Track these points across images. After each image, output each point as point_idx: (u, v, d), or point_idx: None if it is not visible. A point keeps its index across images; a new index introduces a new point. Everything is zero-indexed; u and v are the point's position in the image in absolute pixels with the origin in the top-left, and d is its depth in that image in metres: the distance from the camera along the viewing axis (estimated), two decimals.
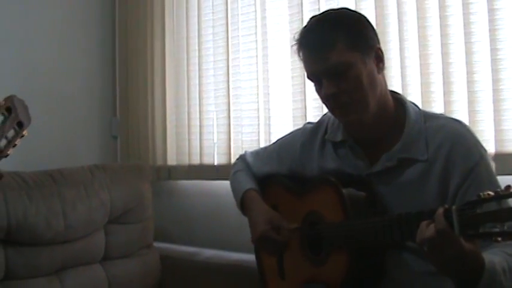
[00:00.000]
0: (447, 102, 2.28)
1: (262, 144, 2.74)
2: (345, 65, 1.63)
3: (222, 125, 3.01)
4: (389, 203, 1.68)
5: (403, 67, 2.39)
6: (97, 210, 2.70)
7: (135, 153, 3.39)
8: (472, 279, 1.37)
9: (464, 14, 2.22)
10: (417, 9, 2.34)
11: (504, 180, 1.59)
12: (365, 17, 1.75)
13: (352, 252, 1.67)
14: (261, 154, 2.18)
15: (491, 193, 1.24)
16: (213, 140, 3.08)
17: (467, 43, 2.22)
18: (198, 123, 3.13)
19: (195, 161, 3.14)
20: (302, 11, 2.70)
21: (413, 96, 2.31)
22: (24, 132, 1.49)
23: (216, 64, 3.05)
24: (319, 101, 1.79)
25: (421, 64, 2.34)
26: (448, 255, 1.33)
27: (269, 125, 2.83)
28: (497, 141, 2.16)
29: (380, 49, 1.72)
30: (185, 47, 3.21)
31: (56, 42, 3.23)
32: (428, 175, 1.63)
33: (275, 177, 2.08)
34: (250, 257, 2.23)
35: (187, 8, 3.21)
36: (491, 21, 2.16)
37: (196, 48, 3.14)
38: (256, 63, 2.88)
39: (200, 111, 3.13)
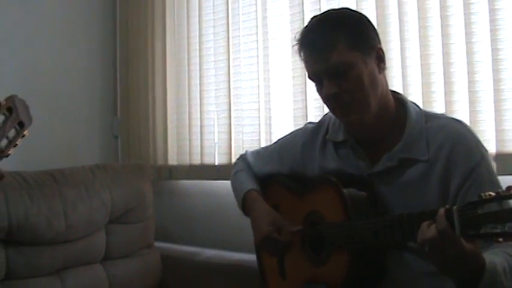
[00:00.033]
0: (448, 102, 2.28)
1: (263, 144, 2.74)
2: (346, 65, 1.63)
3: (223, 125, 3.02)
4: (390, 203, 1.68)
5: (404, 67, 2.39)
6: (98, 210, 2.70)
7: (136, 153, 3.39)
8: (472, 279, 1.37)
9: (465, 14, 2.22)
10: (418, 9, 2.34)
11: (505, 181, 1.59)
12: (366, 17, 1.75)
13: (353, 252, 1.67)
14: (262, 154, 2.18)
15: (493, 194, 1.24)
16: (214, 139, 3.09)
17: (468, 43, 2.22)
18: (199, 123, 3.13)
19: (196, 160, 3.14)
20: (303, 10, 2.70)
21: (414, 96, 2.31)
22: (25, 132, 1.50)
23: (217, 64, 3.05)
24: (320, 101, 1.80)
25: (422, 64, 2.35)
26: (449, 255, 1.33)
27: (270, 124, 2.83)
28: (498, 141, 2.16)
29: (381, 49, 1.72)
30: (186, 47, 3.22)
31: (57, 42, 3.23)
32: (429, 175, 1.63)
33: (276, 177, 2.08)
34: (251, 257, 2.23)
35: (188, 8, 3.21)
36: (492, 21, 2.16)
37: (197, 48, 3.14)
38: (257, 63, 2.88)
39: (201, 111, 3.13)
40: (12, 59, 3.00)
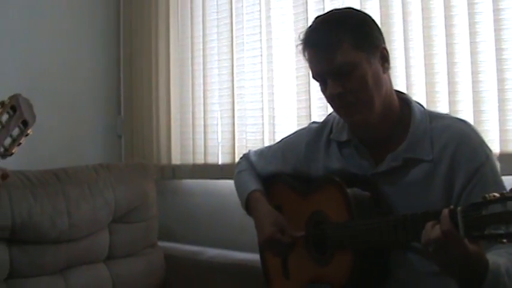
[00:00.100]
0: (452, 102, 2.28)
1: (267, 144, 2.74)
2: (350, 65, 1.62)
3: (227, 125, 3.02)
4: (395, 203, 1.67)
5: (407, 67, 2.39)
6: (101, 209, 2.70)
7: (140, 152, 3.39)
8: (475, 280, 1.37)
9: (469, 13, 2.22)
10: (422, 9, 2.34)
11: (509, 181, 1.59)
12: (370, 17, 1.75)
13: (356, 252, 1.66)
14: (265, 153, 2.18)
15: (497, 195, 1.24)
16: (218, 139, 3.09)
17: (472, 43, 2.22)
18: (202, 123, 3.13)
19: (200, 160, 3.14)
20: (307, 10, 2.69)
21: (418, 96, 2.31)
22: (29, 131, 1.50)
23: (220, 63, 3.05)
24: (324, 101, 1.79)
25: (426, 64, 2.34)
26: (453, 256, 1.32)
27: (273, 124, 2.83)
28: (502, 141, 2.16)
29: (385, 49, 1.71)
30: (190, 47, 3.22)
31: (61, 41, 3.23)
32: (433, 175, 1.63)
33: (279, 177, 2.07)
34: (254, 257, 2.23)
35: (191, 8, 3.21)
36: (496, 21, 2.15)
37: (201, 47, 3.14)
38: (261, 62, 2.88)
39: (204, 111, 3.13)
40: (16, 58, 3.01)
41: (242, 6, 2.96)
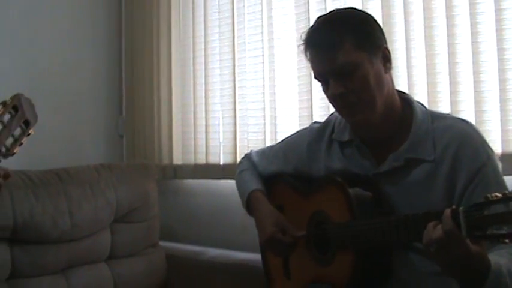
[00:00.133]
0: (454, 102, 2.28)
1: (268, 144, 2.73)
2: (352, 65, 1.62)
3: (228, 124, 3.01)
4: (396, 203, 1.67)
5: (409, 67, 2.39)
6: (103, 209, 2.71)
7: (141, 152, 3.39)
8: (477, 280, 1.37)
9: (471, 13, 2.22)
10: (424, 9, 2.34)
11: (511, 181, 1.59)
12: (372, 17, 1.75)
13: (358, 252, 1.66)
14: (267, 153, 2.18)
15: (499, 195, 1.24)
16: (219, 139, 3.08)
17: (474, 43, 2.21)
18: (204, 123, 3.13)
19: (201, 160, 3.14)
20: (308, 10, 2.69)
21: (420, 96, 2.30)
22: (31, 131, 1.50)
23: (222, 63, 3.05)
24: (326, 101, 1.80)
25: (427, 64, 2.34)
26: (455, 256, 1.33)
27: (275, 124, 2.83)
28: (504, 141, 2.16)
29: (387, 49, 1.71)
30: (191, 47, 3.22)
31: (62, 41, 3.23)
32: (435, 175, 1.63)
33: (281, 177, 2.07)
34: (256, 257, 2.23)
35: (193, 8, 3.21)
36: (498, 21, 2.15)
37: (203, 47, 3.14)
38: (263, 62, 2.88)
39: (206, 111, 3.13)
40: (18, 58, 3.01)
41: (244, 6, 2.96)
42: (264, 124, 2.87)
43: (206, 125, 3.12)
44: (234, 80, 2.98)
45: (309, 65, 1.77)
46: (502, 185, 1.59)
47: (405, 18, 2.40)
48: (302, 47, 1.75)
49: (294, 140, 2.07)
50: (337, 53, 1.62)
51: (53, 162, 2.83)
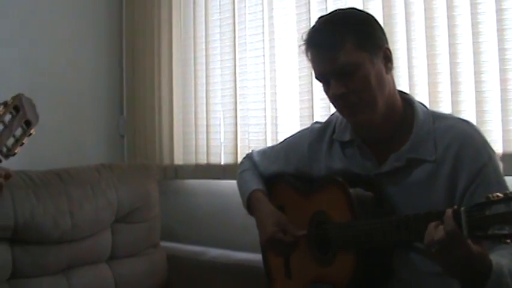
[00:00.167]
0: (455, 102, 2.27)
1: (269, 144, 2.73)
2: (353, 65, 1.62)
3: (229, 125, 3.01)
4: (398, 203, 1.67)
5: (410, 67, 2.39)
6: (104, 210, 2.70)
7: (142, 153, 3.39)
8: (479, 280, 1.36)
9: (472, 13, 2.21)
10: (425, 9, 2.34)
11: None
12: (373, 17, 1.75)
13: (359, 252, 1.66)
14: (268, 153, 2.18)
15: (500, 195, 1.24)
16: (220, 139, 3.08)
17: (475, 43, 2.21)
18: (205, 123, 3.13)
19: (202, 160, 3.14)
20: (309, 10, 2.69)
21: (421, 96, 2.30)
22: (32, 131, 1.50)
23: (223, 64, 3.05)
24: (327, 101, 1.80)
25: (428, 64, 2.34)
26: (456, 256, 1.32)
27: (276, 124, 2.83)
28: (505, 141, 2.16)
29: (388, 49, 1.71)
30: (192, 47, 3.22)
31: (64, 41, 3.23)
32: (436, 175, 1.63)
33: (282, 177, 2.07)
34: (256, 257, 2.23)
35: (194, 8, 3.21)
36: (499, 21, 2.15)
37: (203, 47, 3.14)
38: (264, 62, 2.88)
39: (207, 111, 3.13)
40: (19, 58, 3.01)
41: (245, 6, 2.96)
42: (265, 124, 2.87)
43: (207, 125, 3.12)
44: (235, 80, 2.98)
45: (310, 65, 1.77)
46: (503, 185, 1.59)
47: (406, 18, 2.40)
48: (303, 47, 1.75)
49: (295, 140, 2.07)
50: (338, 53, 1.62)
51: (54, 162, 2.83)
